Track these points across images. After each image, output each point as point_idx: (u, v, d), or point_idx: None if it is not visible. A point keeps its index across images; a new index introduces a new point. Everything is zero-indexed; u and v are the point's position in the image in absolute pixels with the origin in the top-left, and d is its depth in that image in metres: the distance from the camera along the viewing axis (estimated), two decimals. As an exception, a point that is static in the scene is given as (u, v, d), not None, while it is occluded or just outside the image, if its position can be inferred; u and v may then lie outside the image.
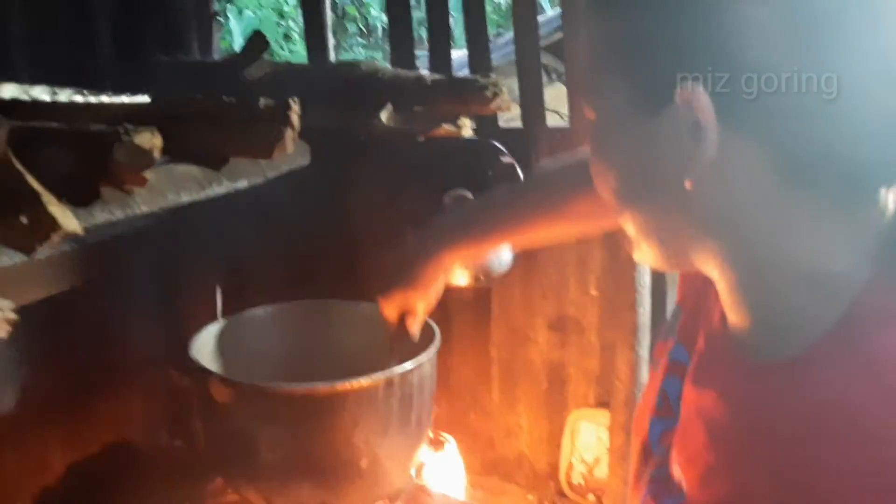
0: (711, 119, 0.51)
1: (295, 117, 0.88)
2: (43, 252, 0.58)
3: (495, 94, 1.35)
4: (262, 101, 0.87)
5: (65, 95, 0.84)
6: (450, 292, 1.14)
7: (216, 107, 0.88)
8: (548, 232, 1.04)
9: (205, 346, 1.35)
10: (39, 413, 1.30)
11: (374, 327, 1.20)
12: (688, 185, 0.54)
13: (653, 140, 0.55)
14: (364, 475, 1.23)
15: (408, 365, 1.21)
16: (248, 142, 0.87)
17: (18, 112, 0.74)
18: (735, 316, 0.60)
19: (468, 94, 1.36)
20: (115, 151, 0.63)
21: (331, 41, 1.93)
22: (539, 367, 1.95)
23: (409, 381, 1.23)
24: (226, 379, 1.20)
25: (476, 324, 1.98)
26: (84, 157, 0.63)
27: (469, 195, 1.75)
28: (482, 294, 1.93)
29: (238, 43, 6.63)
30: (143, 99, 0.90)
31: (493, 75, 1.43)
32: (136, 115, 0.78)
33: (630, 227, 0.63)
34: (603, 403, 1.86)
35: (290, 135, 0.87)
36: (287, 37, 7.55)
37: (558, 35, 2.51)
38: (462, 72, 1.93)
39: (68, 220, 0.56)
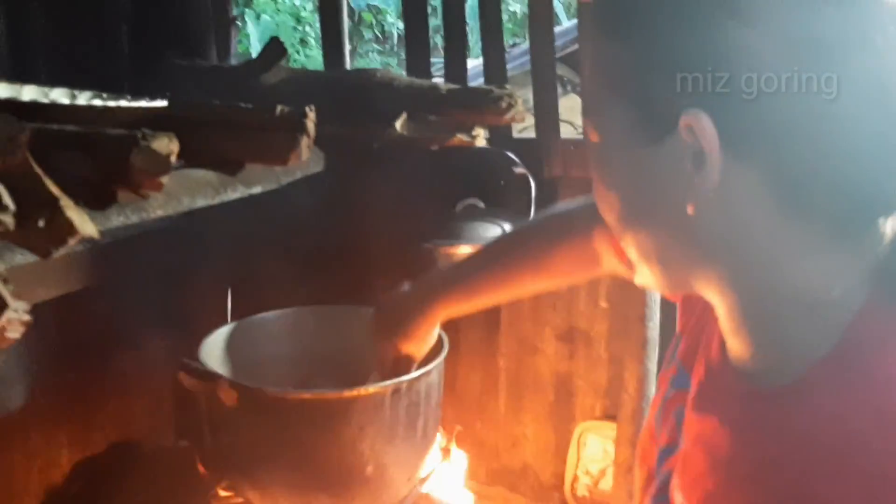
0: (715, 146, 0.52)
1: (311, 125, 0.89)
2: (57, 253, 0.59)
3: (510, 106, 1.35)
4: (279, 108, 0.88)
5: (84, 98, 0.85)
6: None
7: (233, 113, 0.88)
8: (534, 286, 1.09)
9: (214, 350, 1.35)
10: (47, 412, 1.31)
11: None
12: (690, 210, 0.54)
13: (656, 165, 0.56)
14: (369, 482, 1.23)
15: (415, 373, 1.21)
16: (264, 149, 0.88)
17: (38, 115, 0.75)
18: (734, 342, 0.60)
19: (483, 105, 1.37)
20: (133, 156, 0.63)
21: (346, 47, 1.94)
22: (547, 377, 1.95)
23: (416, 390, 1.23)
24: (234, 382, 1.20)
25: (484, 333, 1.98)
26: (102, 162, 0.64)
27: (481, 204, 1.75)
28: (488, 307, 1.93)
29: (255, 47, 6.67)
30: (162, 103, 0.90)
31: (508, 86, 1.43)
32: (153, 120, 0.79)
33: (631, 250, 0.63)
34: (610, 416, 1.85)
35: (305, 142, 0.88)
36: (304, 42, 7.59)
37: (574, 46, 2.52)
38: (477, 81, 1.94)
39: (85, 223, 0.56)
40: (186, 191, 0.83)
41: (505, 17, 2.04)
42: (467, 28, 1.92)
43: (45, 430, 1.32)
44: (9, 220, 0.51)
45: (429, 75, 1.86)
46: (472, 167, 1.80)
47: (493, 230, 1.66)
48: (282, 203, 1.21)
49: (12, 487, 1.28)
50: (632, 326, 1.72)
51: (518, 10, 7.51)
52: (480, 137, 1.48)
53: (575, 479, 1.93)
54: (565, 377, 1.93)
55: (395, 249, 1.81)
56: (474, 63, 2.21)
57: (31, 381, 1.27)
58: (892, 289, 0.54)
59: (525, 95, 1.60)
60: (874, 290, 0.54)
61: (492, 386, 2.02)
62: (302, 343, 1.49)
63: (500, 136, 1.79)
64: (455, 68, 1.85)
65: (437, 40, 3.42)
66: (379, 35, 8.46)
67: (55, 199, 0.55)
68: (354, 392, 1.18)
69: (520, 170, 1.73)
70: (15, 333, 0.52)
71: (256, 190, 0.99)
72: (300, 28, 7.59)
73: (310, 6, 7.51)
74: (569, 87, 2.97)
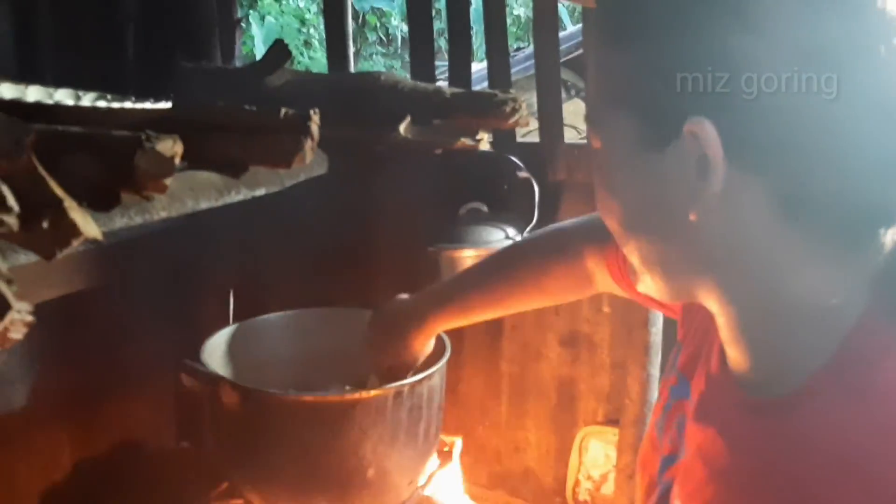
0: (719, 153, 0.52)
1: (315, 128, 0.88)
2: (60, 254, 0.59)
3: (514, 110, 1.35)
4: (283, 111, 0.88)
5: (88, 99, 0.85)
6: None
7: (237, 115, 0.88)
8: (528, 304, 1.11)
9: (216, 351, 1.35)
10: (50, 412, 1.31)
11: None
12: (692, 217, 0.54)
13: (659, 172, 0.56)
14: (371, 485, 1.23)
15: (417, 376, 1.21)
16: (268, 151, 0.88)
17: (42, 115, 0.75)
18: (734, 352, 0.60)
19: (487, 109, 1.37)
20: (137, 158, 0.63)
21: (351, 49, 1.94)
22: (549, 382, 1.95)
23: (418, 393, 1.23)
24: (235, 384, 1.20)
25: (487, 337, 1.98)
26: (106, 163, 0.64)
27: (485, 208, 1.75)
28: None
29: (259, 48, 6.69)
30: (166, 105, 0.90)
31: (512, 90, 1.43)
32: (157, 122, 0.79)
33: (634, 256, 0.63)
34: (612, 421, 1.85)
35: (309, 145, 0.87)
36: (307, 43, 7.60)
37: (579, 51, 2.52)
38: (481, 85, 1.94)
39: (89, 226, 0.56)
40: (190, 193, 0.83)
41: (509, 20, 2.04)
42: (472, 31, 1.91)
43: (46, 431, 1.32)
44: (13, 222, 0.51)
45: (433, 79, 1.86)
46: (476, 171, 1.80)
47: (497, 234, 1.66)
48: (285, 205, 1.21)
49: (14, 488, 1.28)
50: (634, 332, 1.72)
51: (522, 14, 7.52)
52: (484, 141, 1.48)
53: (577, 483, 1.93)
54: (568, 382, 1.93)
55: (399, 253, 1.81)
56: (478, 67, 2.21)
57: (33, 381, 1.27)
58: (892, 299, 0.54)
59: (529, 99, 1.60)
60: (873, 301, 0.54)
61: (494, 390, 2.01)
62: (304, 345, 1.49)
63: (504, 140, 1.79)
64: (459, 72, 1.85)
65: (442, 43, 3.42)
66: (383, 37, 8.48)
67: (59, 201, 0.55)
68: (356, 395, 1.18)
69: (523, 174, 1.73)
70: (18, 334, 0.52)
71: (260, 192, 0.99)
72: (304, 30, 7.61)
73: (314, 8, 7.53)
74: (573, 92, 2.98)
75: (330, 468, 1.21)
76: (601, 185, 0.62)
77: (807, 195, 0.52)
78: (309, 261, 1.70)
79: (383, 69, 7.01)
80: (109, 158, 0.66)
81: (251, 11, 7.11)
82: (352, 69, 1.96)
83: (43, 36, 1.30)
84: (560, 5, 1.81)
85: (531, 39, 2.04)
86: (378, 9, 8.12)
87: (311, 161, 0.90)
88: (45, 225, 0.55)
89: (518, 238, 1.66)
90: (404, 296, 1.17)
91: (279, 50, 1.41)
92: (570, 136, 1.90)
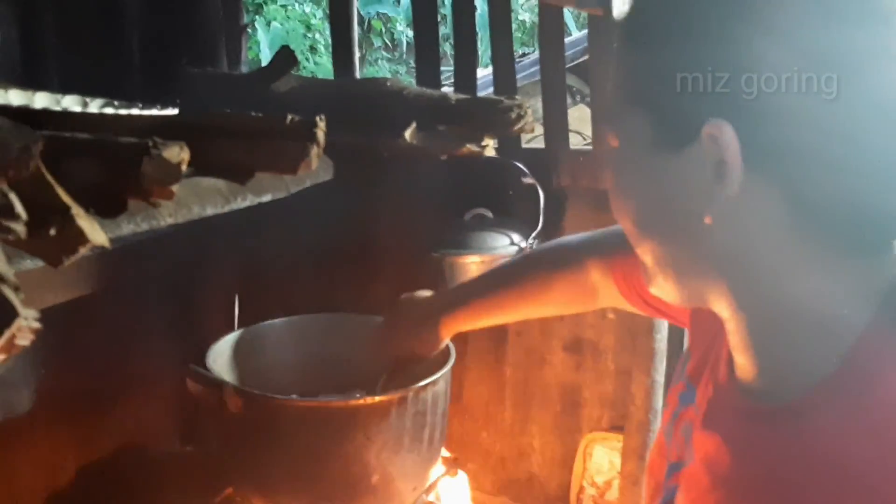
0: (737, 157, 0.52)
1: (321, 134, 0.89)
2: (68, 261, 0.59)
3: (519, 116, 1.35)
4: (289, 117, 0.88)
5: (95, 106, 0.85)
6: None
7: (243, 122, 0.89)
8: (536, 312, 1.16)
9: (221, 356, 1.36)
10: (54, 415, 1.31)
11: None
12: (707, 220, 0.54)
13: (676, 174, 0.56)
14: (375, 491, 1.23)
15: (422, 382, 1.21)
16: (274, 157, 0.88)
17: (49, 122, 0.75)
18: (741, 359, 0.60)
19: (492, 115, 1.37)
20: (144, 165, 0.64)
21: (356, 55, 1.95)
22: (553, 388, 1.95)
23: (422, 399, 1.23)
24: (240, 389, 1.20)
25: (492, 343, 1.98)
26: (113, 170, 0.64)
27: (490, 214, 1.76)
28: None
29: (265, 54, 6.71)
30: (173, 111, 0.91)
31: (518, 97, 1.43)
32: (164, 128, 0.80)
33: (647, 258, 0.63)
34: (616, 427, 1.85)
35: (315, 152, 0.88)
36: (313, 49, 7.62)
37: (584, 57, 2.52)
38: (486, 91, 1.94)
39: (96, 233, 0.56)
40: (196, 199, 0.83)
41: (514, 26, 2.05)
42: (477, 37, 1.92)
43: (51, 434, 1.32)
44: (20, 229, 0.51)
45: (438, 84, 1.87)
46: (481, 177, 1.80)
47: (501, 240, 1.66)
48: (290, 211, 1.22)
49: (18, 491, 1.29)
50: (639, 338, 1.72)
51: (527, 20, 7.52)
52: (489, 147, 1.48)
53: (581, 490, 1.92)
54: (572, 388, 1.93)
55: (403, 258, 1.81)
56: (484, 72, 2.22)
57: (38, 384, 1.27)
58: None
59: (534, 105, 1.60)
60: (880, 313, 0.53)
61: (499, 396, 2.01)
62: (309, 351, 1.50)
63: (509, 146, 1.79)
64: (465, 78, 1.85)
65: (447, 49, 3.43)
66: (388, 43, 8.50)
67: (67, 208, 0.55)
68: (361, 401, 1.19)
69: (528, 180, 1.73)
70: (24, 341, 0.52)
71: (266, 198, 0.99)
72: (310, 35, 7.63)
73: (320, 14, 7.55)
74: (578, 98, 2.98)
75: (334, 474, 1.21)
76: (616, 184, 0.62)
77: (822, 203, 0.52)
78: (313, 266, 1.71)
79: (388, 74, 7.04)
80: (116, 165, 0.66)
81: (257, 17, 7.13)
82: (357, 74, 1.96)
83: (49, 43, 1.30)
84: (565, 11, 1.81)
85: (536, 45, 2.04)
86: (383, 14, 8.14)
87: (316, 167, 0.91)
88: (52, 232, 0.55)
89: (523, 244, 1.67)
90: (423, 292, 1.19)
91: (285, 56, 1.41)
92: (575, 142, 1.90)
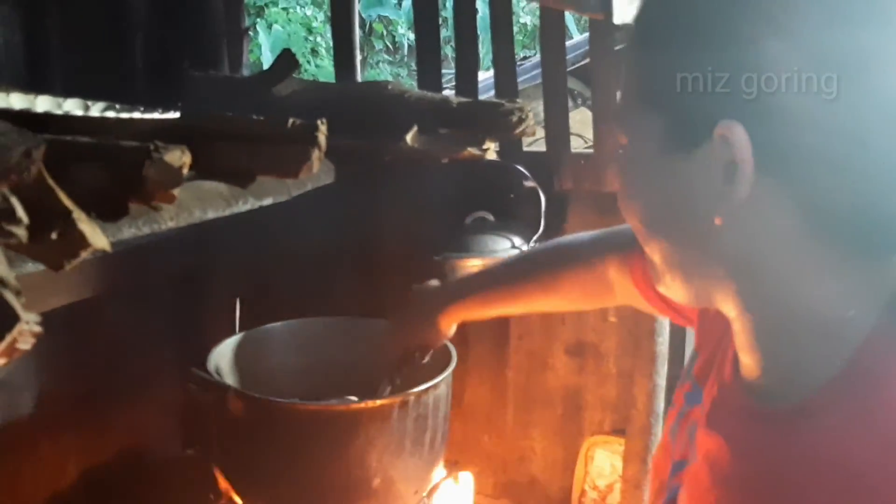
0: (748, 158, 0.51)
1: (322, 138, 0.89)
2: (69, 265, 0.59)
3: (521, 120, 1.35)
4: (291, 121, 0.88)
5: (97, 110, 0.85)
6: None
7: (245, 125, 0.89)
8: (548, 305, 1.13)
9: (222, 359, 1.36)
10: (56, 419, 1.31)
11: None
12: (717, 222, 0.54)
13: (686, 175, 0.56)
14: (376, 494, 1.23)
15: (423, 385, 1.21)
16: (275, 161, 0.88)
17: (50, 126, 0.76)
18: (747, 359, 0.60)
19: (493, 118, 1.37)
20: (146, 169, 0.64)
21: (358, 58, 1.95)
22: (555, 392, 1.95)
23: (423, 402, 1.23)
24: (242, 393, 1.20)
25: (493, 346, 1.98)
26: (114, 174, 0.64)
27: (491, 217, 1.76)
28: (501, 317, 1.93)
29: (267, 57, 6.72)
30: (174, 115, 0.91)
31: (519, 100, 1.43)
32: (165, 132, 0.80)
33: (656, 257, 0.63)
34: (618, 431, 1.85)
35: (317, 155, 0.88)
36: (314, 52, 7.63)
37: (585, 60, 2.52)
38: (488, 94, 1.94)
39: (97, 237, 0.56)
40: (198, 202, 0.83)
41: (516, 29, 2.05)
42: (478, 40, 1.92)
43: (53, 438, 1.32)
44: (22, 233, 0.51)
45: (440, 87, 1.87)
46: (483, 180, 1.80)
47: (503, 243, 1.66)
48: (291, 215, 1.22)
49: (20, 495, 1.29)
50: (641, 342, 1.72)
51: (529, 22, 7.53)
52: (491, 151, 1.48)
53: (582, 493, 1.92)
54: (574, 391, 1.92)
55: (405, 261, 1.81)
56: (485, 75, 2.22)
57: (40, 388, 1.28)
58: None
59: (536, 108, 1.61)
60: (886, 315, 0.53)
61: (500, 399, 2.01)
62: (310, 354, 1.50)
63: (511, 149, 1.79)
64: (466, 81, 1.85)
65: (448, 52, 3.43)
66: (389, 46, 8.51)
67: (68, 212, 0.55)
68: (362, 404, 1.19)
69: (530, 183, 1.73)
70: (26, 345, 0.52)
71: (267, 202, 0.99)
72: (311, 38, 7.64)
73: (321, 17, 7.56)
74: (579, 101, 2.98)
75: (336, 477, 1.21)
76: (625, 183, 0.62)
77: (831, 207, 0.52)
78: (315, 270, 1.71)
79: (390, 77, 7.04)
80: (118, 169, 0.66)
81: (259, 20, 7.14)
82: (359, 77, 1.96)
83: (52, 46, 1.31)
84: (567, 14, 1.81)
85: (538, 48, 2.04)
86: (385, 17, 8.15)
87: (318, 171, 0.91)
88: (53, 236, 0.55)
89: (524, 247, 1.66)
90: (433, 282, 1.19)
91: (287, 59, 1.41)
92: (576, 146, 1.90)
